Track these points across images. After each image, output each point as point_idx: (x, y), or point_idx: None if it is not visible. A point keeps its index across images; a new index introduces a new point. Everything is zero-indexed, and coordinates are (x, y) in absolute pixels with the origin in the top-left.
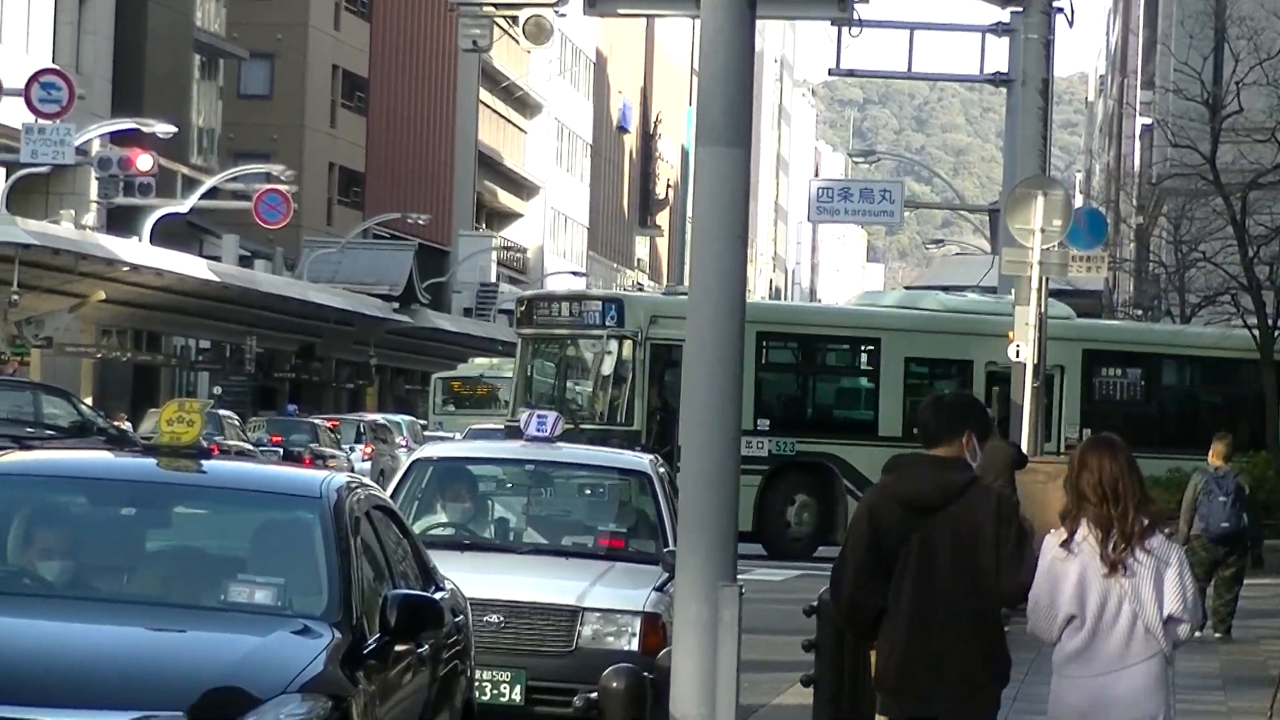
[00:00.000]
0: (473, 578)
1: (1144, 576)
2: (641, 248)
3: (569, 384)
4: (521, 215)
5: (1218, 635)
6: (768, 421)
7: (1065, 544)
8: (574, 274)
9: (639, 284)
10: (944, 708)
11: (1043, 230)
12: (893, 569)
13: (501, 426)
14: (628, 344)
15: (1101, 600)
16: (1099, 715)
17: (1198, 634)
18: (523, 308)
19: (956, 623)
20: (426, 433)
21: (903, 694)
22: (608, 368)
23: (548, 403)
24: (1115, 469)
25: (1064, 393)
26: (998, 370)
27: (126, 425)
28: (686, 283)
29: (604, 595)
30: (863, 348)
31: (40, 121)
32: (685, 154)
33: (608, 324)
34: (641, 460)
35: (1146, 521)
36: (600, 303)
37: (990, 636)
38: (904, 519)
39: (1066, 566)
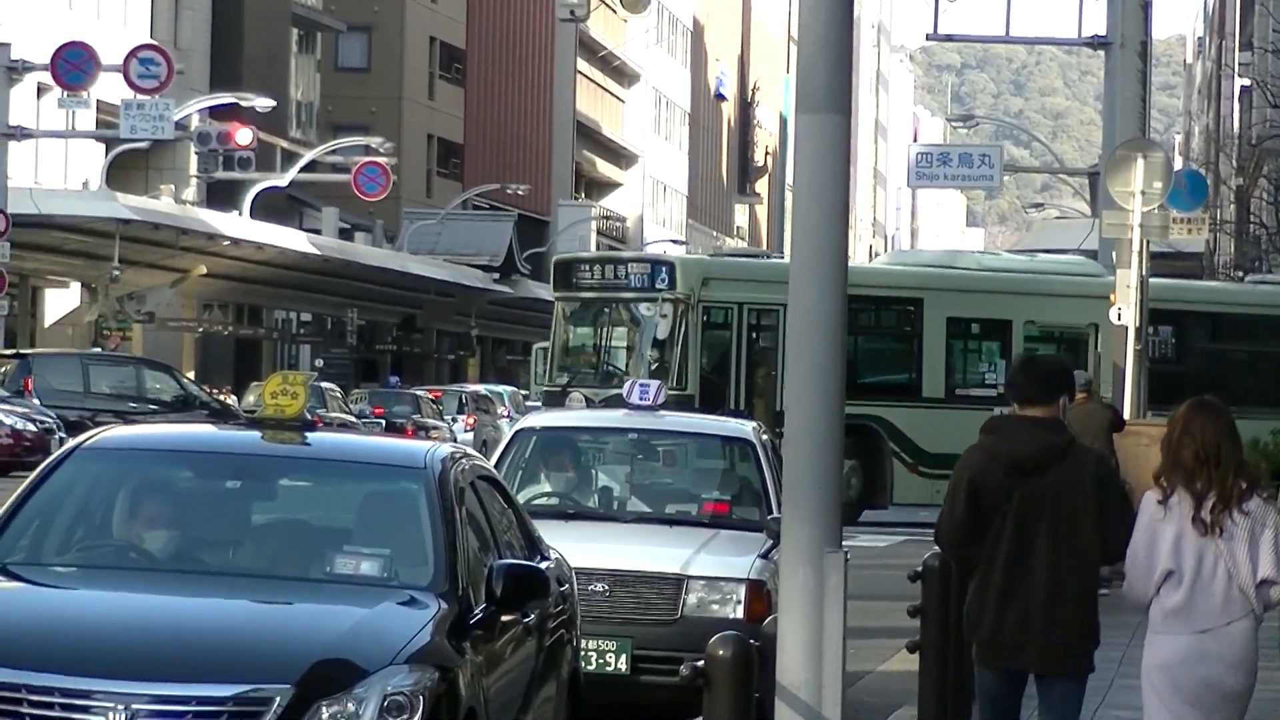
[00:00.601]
0: (577, 547)
1: (1239, 539)
2: (741, 216)
3: (614, 348)
4: (620, 184)
5: None
6: None
7: (1163, 502)
8: (674, 242)
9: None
10: (1034, 663)
11: (1143, 193)
12: (990, 524)
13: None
14: (680, 306)
15: (1198, 558)
16: (1195, 670)
17: None
18: (560, 271)
19: (1051, 582)
20: (528, 403)
21: (995, 647)
22: (661, 331)
23: (589, 368)
24: (1217, 432)
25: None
26: (1036, 331)
27: (231, 399)
28: (787, 252)
29: (709, 563)
30: (906, 308)
31: (139, 97)
32: (784, 121)
33: (658, 286)
34: (745, 427)
35: (1245, 485)
36: (649, 264)
37: (1083, 598)
38: (1005, 478)
39: (1164, 525)
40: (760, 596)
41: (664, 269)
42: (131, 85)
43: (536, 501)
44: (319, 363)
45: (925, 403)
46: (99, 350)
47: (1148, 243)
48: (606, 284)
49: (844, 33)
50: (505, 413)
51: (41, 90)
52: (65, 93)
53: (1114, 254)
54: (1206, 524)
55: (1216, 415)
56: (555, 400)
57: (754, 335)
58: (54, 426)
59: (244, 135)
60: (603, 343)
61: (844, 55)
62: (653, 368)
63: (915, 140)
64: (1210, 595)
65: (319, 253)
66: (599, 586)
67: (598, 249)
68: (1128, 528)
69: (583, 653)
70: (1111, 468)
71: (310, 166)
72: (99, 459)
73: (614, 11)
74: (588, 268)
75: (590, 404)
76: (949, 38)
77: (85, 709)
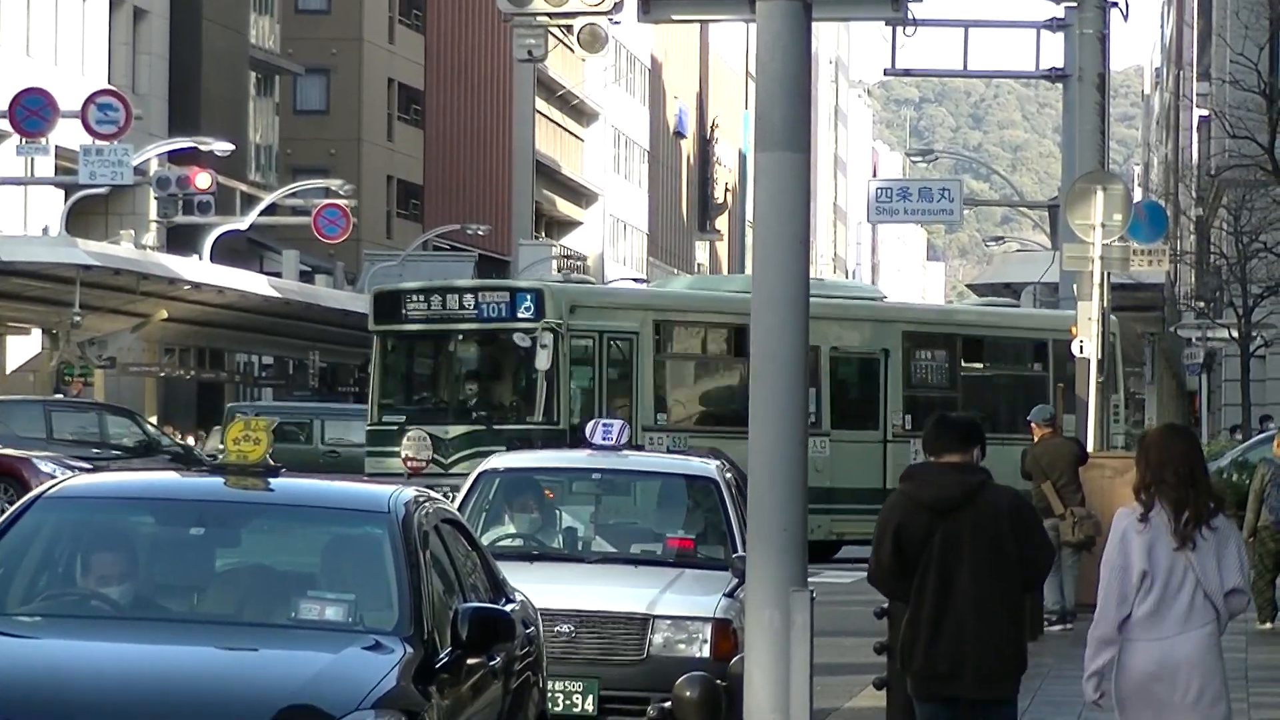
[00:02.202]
0: (542, 588)
1: (1207, 551)
2: (701, 252)
3: (456, 382)
4: (581, 223)
5: None
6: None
7: (1142, 518)
8: (635, 280)
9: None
10: (966, 689)
11: (1103, 225)
12: (916, 564)
13: None
14: (548, 336)
15: (1169, 568)
16: (1165, 675)
17: (1269, 625)
18: (384, 303)
19: (978, 611)
20: None
21: (928, 678)
22: (528, 362)
23: (427, 405)
24: (1193, 455)
25: (888, 378)
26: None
27: (193, 442)
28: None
29: (674, 602)
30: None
31: (98, 143)
32: (743, 158)
33: (520, 315)
34: (709, 466)
35: (1213, 504)
36: (509, 293)
37: (1011, 623)
38: (927, 520)
39: (1140, 537)
40: (726, 635)
41: (528, 297)
42: (90, 131)
43: (501, 543)
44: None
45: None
46: (61, 396)
47: (1108, 275)
48: (447, 315)
49: (801, 70)
50: None
51: None
52: (23, 139)
53: (1075, 286)
54: (1181, 538)
55: (1192, 440)
56: (389, 440)
57: (612, 365)
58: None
59: (203, 179)
60: (444, 377)
61: (802, 93)
62: (515, 402)
63: (875, 175)
64: (1178, 603)
65: (280, 295)
66: (565, 627)
67: None
68: (1049, 547)
69: (550, 694)
70: (1024, 499)
71: (270, 209)
72: (62, 507)
73: (572, 51)
74: (419, 298)
75: (435, 442)
76: (907, 72)
77: None
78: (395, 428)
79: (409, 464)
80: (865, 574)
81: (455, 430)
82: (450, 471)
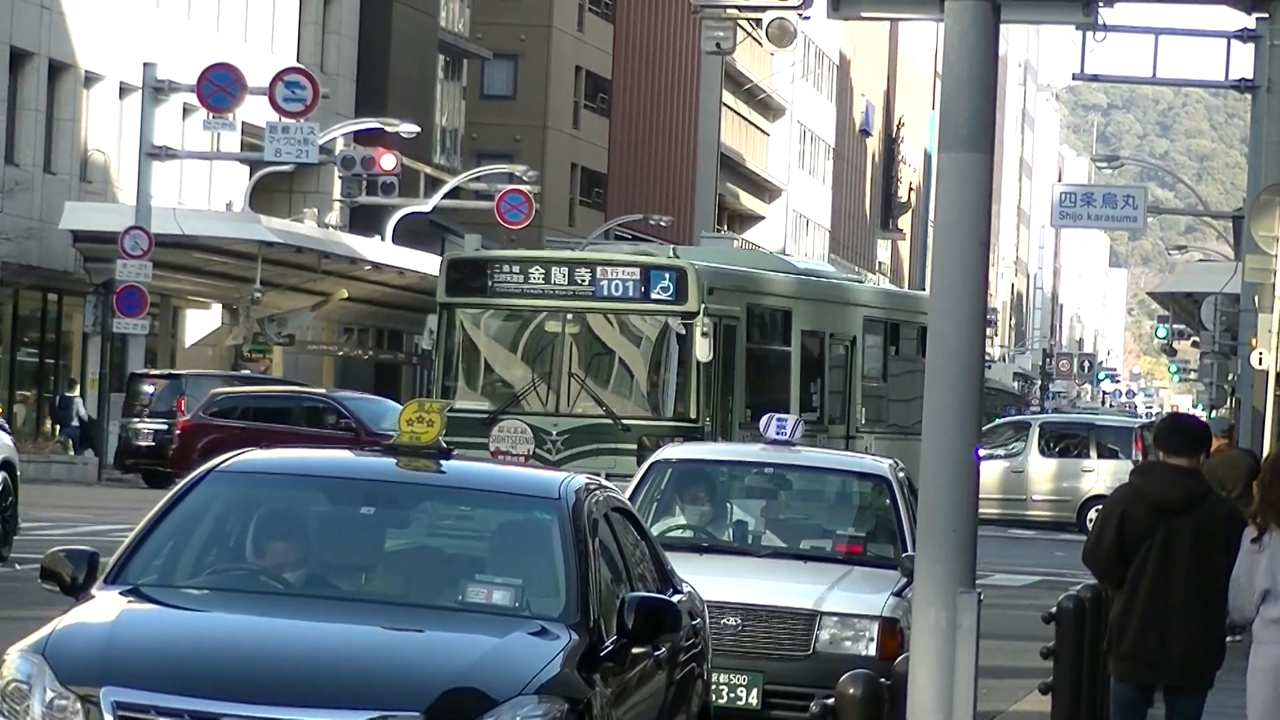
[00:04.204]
0: (710, 580)
1: None
2: (883, 251)
3: (579, 370)
4: (763, 217)
5: None
6: None
7: (1256, 540)
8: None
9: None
10: (1168, 677)
11: None
12: (1133, 554)
13: None
14: (708, 323)
15: None
16: None
17: None
18: (465, 270)
19: (1186, 609)
20: None
21: (1134, 661)
22: (661, 349)
23: (534, 392)
24: None
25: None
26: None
27: None
28: (928, 289)
29: (842, 599)
30: None
31: (284, 120)
32: (928, 157)
33: (654, 296)
34: (881, 464)
35: None
36: (639, 270)
37: (1213, 624)
38: (1151, 516)
39: (1259, 556)
40: (893, 634)
41: (666, 275)
42: (277, 108)
43: (671, 534)
44: None
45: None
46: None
47: None
48: (554, 290)
49: (988, 71)
50: None
51: (187, 111)
52: (210, 114)
53: (1256, 298)
54: None
55: None
56: (468, 429)
57: (752, 350)
58: None
59: (388, 160)
60: (546, 361)
61: (987, 94)
62: (646, 394)
63: (1060, 180)
64: None
65: None
66: (732, 621)
67: None
68: None
69: (714, 687)
70: (1240, 513)
71: (454, 193)
72: (234, 481)
73: (760, 45)
74: (512, 269)
75: (538, 436)
76: (1095, 78)
77: None
78: (480, 416)
79: (499, 458)
80: (1060, 574)
81: (566, 424)
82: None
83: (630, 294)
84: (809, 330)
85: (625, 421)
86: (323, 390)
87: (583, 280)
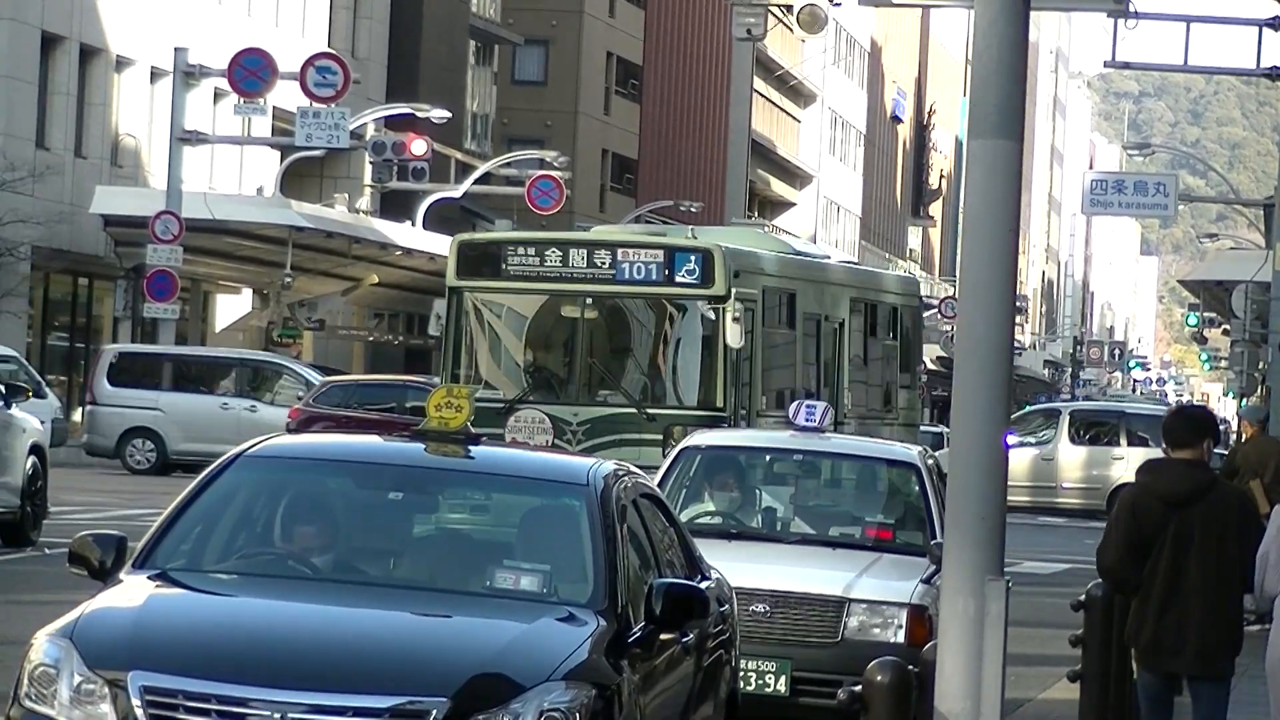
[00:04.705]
0: (739, 567)
1: None
2: (914, 238)
3: (599, 357)
4: (794, 204)
5: None
6: None
7: None
8: (849, 264)
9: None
10: (1187, 666)
11: None
12: (1149, 551)
13: None
14: (739, 307)
15: None
16: None
17: None
18: (477, 252)
19: (1202, 598)
20: None
21: (1154, 653)
22: (687, 335)
23: (552, 380)
24: None
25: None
26: None
27: None
28: (957, 273)
29: (871, 587)
30: None
31: (315, 105)
32: (959, 145)
33: (679, 280)
34: (910, 451)
35: None
36: (665, 252)
37: (1230, 611)
38: (1162, 510)
39: None
40: (922, 621)
41: (692, 258)
42: (308, 93)
43: (699, 520)
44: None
45: None
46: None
47: None
48: (571, 273)
49: (1018, 59)
50: None
51: (218, 96)
52: (241, 99)
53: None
54: None
55: None
56: (483, 418)
57: (766, 333)
58: None
59: (419, 146)
60: (564, 348)
61: (1017, 81)
62: (668, 382)
63: (1091, 167)
64: None
65: None
66: (760, 607)
67: None
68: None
69: (742, 673)
70: (1250, 501)
71: (484, 178)
72: (262, 467)
73: (791, 31)
74: (526, 251)
75: (557, 425)
76: (1127, 65)
77: (241, 716)
78: (496, 406)
79: (517, 448)
80: (1066, 567)
81: (587, 413)
82: None
83: (654, 277)
84: (809, 313)
85: (650, 411)
86: (435, 379)
87: (603, 263)
